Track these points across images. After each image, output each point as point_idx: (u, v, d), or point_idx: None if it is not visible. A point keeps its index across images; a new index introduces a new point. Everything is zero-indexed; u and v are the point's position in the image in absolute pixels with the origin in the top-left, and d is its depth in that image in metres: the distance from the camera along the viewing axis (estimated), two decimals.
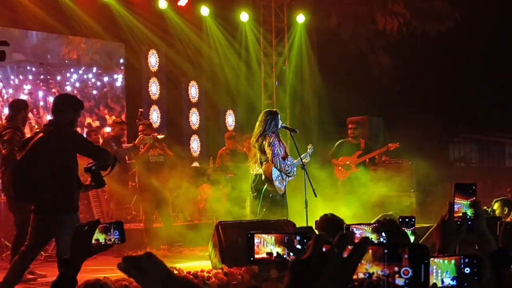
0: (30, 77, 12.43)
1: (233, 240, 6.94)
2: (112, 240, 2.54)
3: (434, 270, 1.91)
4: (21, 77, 12.25)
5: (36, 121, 11.84)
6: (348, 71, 18.14)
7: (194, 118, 15.05)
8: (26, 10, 11.62)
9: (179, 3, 13.60)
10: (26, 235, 7.19)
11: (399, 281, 1.39)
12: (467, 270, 1.90)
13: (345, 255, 1.29)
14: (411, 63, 18.83)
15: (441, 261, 1.92)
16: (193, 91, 15.03)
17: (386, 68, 18.24)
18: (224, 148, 12.56)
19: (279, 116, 8.35)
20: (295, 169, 8.43)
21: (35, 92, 12.44)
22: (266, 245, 2.02)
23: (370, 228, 2.93)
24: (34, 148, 5.86)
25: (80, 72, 13.27)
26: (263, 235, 2.03)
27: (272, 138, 8.13)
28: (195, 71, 14.76)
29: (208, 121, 15.18)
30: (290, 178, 8.46)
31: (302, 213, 8.08)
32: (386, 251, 1.41)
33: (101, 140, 11.23)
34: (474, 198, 2.40)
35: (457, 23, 16.82)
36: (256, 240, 2.02)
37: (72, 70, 13.16)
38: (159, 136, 10.34)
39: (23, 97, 11.72)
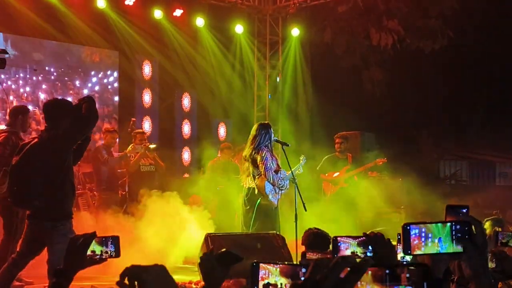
0: (48, 77, 12.50)
1: None
2: (109, 253, 2.53)
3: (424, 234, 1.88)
4: (40, 77, 12.35)
5: None
6: (341, 85, 18.20)
7: (186, 128, 15.04)
8: (25, 17, 11.63)
9: (175, 14, 13.61)
10: (13, 240, 7.13)
11: None
12: (458, 236, 1.89)
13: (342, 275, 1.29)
14: (404, 79, 18.90)
15: (433, 225, 1.90)
16: (186, 102, 15.03)
17: (379, 84, 18.30)
18: (215, 159, 12.52)
19: (271, 129, 8.38)
20: (287, 182, 8.44)
21: (53, 93, 12.42)
22: (271, 276, 1.96)
23: (356, 242, 2.90)
24: (28, 153, 5.84)
25: (100, 75, 13.23)
26: (267, 266, 1.97)
27: (264, 152, 8.15)
28: (189, 82, 14.75)
29: (200, 132, 15.15)
30: (283, 192, 8.49)
31: (292, 226, 8.07)
32: (387, 271, 1.43)
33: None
34: None
35: (450, 41, 16.92)
36: (261, 271, 1.97)
37: (92, 73, 13.13)
38: (151, 146, 10.32)
39: (41, 95, 12.04)
